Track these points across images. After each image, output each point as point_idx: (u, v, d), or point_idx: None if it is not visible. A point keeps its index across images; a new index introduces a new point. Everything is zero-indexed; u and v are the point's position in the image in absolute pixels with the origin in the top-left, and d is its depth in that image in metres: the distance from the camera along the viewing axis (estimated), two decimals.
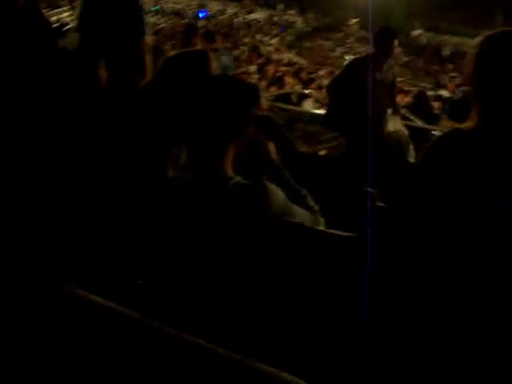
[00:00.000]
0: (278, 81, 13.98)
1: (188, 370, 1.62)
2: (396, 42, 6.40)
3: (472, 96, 2.09)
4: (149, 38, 4.88)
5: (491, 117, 2.01)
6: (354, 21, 30.83)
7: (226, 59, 8.02)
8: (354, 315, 1.87)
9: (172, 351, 1.67)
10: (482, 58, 2.06)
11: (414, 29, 29.50)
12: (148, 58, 4.76)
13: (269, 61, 20.01)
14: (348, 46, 27.63)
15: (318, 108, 10.05)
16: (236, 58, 20.27)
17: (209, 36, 7.85)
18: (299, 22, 31.52)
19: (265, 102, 4.61)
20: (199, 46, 7.19)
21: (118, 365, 1.73)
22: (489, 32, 2.08)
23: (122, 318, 1.79)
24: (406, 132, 6.48)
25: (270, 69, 16.97)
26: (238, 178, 2.20)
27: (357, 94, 6.20)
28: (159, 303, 1.95)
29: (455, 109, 8.34)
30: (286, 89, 12.68)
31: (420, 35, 27.96)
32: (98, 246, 2.41)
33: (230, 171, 2.23)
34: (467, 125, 2.06)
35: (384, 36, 6.34)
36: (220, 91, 2.26)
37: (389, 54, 6.37)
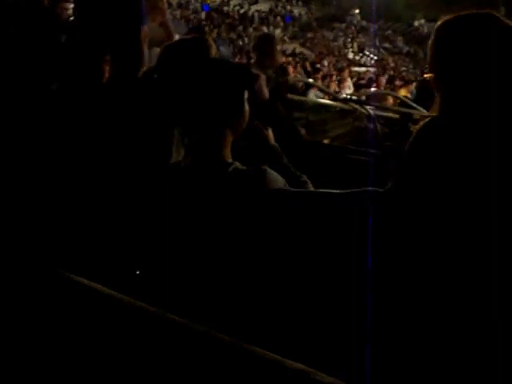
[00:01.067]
0: (282, 71, 13.98)
1: (185, 354, 1.63)
2: None
3: (433, 83, 2.07)
4: (146, 28, 4.87)
5: (451, 104, 1.99)
6: (356, 11, 30.81)
7: (223, 50, 7.96)
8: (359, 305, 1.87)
9: (167, 335, 1.67)
10: (441, 42, 2.04)
11: (415, 19, 29.43)
12: (145, 48, 4.75)
13: None
14: (350, 36, 27.58)
15: (322, 97, 10.06)
16: (241, 49, 20.30)
17: (198, 29, 7.74)
18: (303, 12, 31.45)
19: (265, 90, 4.61)
20: (278, 59, 7.06)
21: (111, 349, 1.74)
22: (448, 16, 2.06)
23: (116, 303, 1.80)
24: None
25: None
26: (236, 164, 2.20)
27: None
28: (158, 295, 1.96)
29: None
30: (290, 78, 12.69)
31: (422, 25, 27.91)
32: (94, 237, 2.42)
33: (228, 157, 2.23)
34: (432, 113, 2.05)
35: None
36: (211, 74, 2.26)
37: None
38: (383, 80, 14.75)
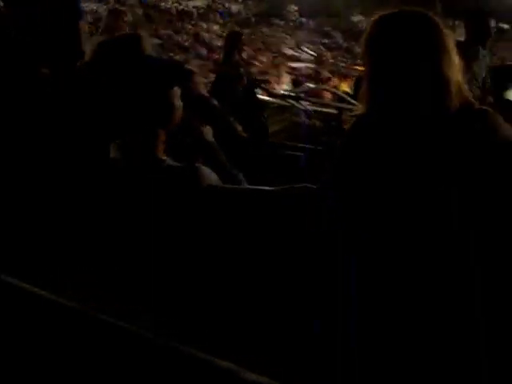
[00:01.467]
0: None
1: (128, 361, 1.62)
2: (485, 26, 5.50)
3: (363, 76, 2.08)
4: (84, 24, 4.83)
5: (379, 100, 2.02)
6: (294, 7, 30.94)
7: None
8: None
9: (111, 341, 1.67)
10: (372, 38, 2.06)
11: (353, 14, 29.63)
12: (84, 42, 4.71)
13: (210, 47, 20.01)
14: (289, 32, 27.65)
15: (261, 94, 10.07)
16: (178, 45, 20.21)
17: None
18: (241, 8, 31.43)
19: (202, 86, 4.58)
20: (245, 56, 7.06)
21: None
22: (382, 12, 2.08)
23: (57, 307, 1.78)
24: None
25: (212, 55, 17.00)
26: (170, 161, 2.19)
27: None
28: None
29: None
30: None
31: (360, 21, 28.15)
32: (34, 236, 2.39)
33: (161, 154, 2.21)
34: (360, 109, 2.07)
35: (475, 20, 5.52)
36: (141, 71, 2.24)
37: (483, 41, 5.53)
38: (325, 75, 14.83)
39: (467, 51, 5.10)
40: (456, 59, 1.99)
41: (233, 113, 6.13)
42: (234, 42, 6.83)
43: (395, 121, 1.94)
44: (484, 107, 1.99)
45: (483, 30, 5.43)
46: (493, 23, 5.36)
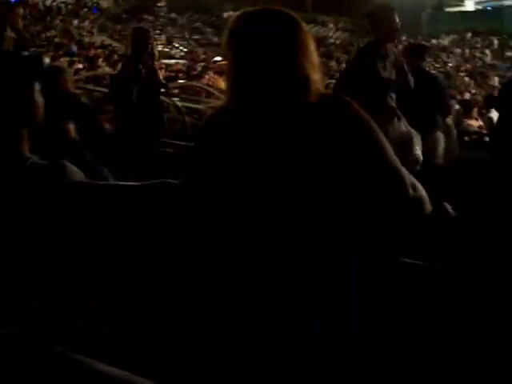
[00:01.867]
0: (91, 63, 13.82)
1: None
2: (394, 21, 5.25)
3: (225, 70, 2.13)
4: None
5: (235, 93, 2.07)
6: (164, 3, 30.92)
7: None
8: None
9: None
10: (233, 33, 2.10)
11: (225, 10, 29.78)
12: None
13: (81, 44, 19.71)
14: (159, 28, 27.56)
15: None
16: (48, 41, 19.76)
17: None
18: (110, 4, 31.03)
19: (70, 83, 4.51)
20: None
21: None
22: (247, 8, 2.13)
23: None
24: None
25: (83, 52, 16.75)
26: (34, 159, 2.15)
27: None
28: None
29: None
30: (99, 71, 12.54)
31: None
32: None
33: (25, 151, 2.17)
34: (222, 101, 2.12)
35: (381, 15, 5.28)
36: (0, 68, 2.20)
37: (392, 38, 5.37)
38: (198, 71, 14.80)
39: (378, 50, 5.19)
40: (315, 57, 2.06)
41: (134, 112, 6.04)
42: (141, 39, 6.59)
43: (252, 115, 1.99)
44: (343, 96, 2.06)
45: (390, 27, 5.25)
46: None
